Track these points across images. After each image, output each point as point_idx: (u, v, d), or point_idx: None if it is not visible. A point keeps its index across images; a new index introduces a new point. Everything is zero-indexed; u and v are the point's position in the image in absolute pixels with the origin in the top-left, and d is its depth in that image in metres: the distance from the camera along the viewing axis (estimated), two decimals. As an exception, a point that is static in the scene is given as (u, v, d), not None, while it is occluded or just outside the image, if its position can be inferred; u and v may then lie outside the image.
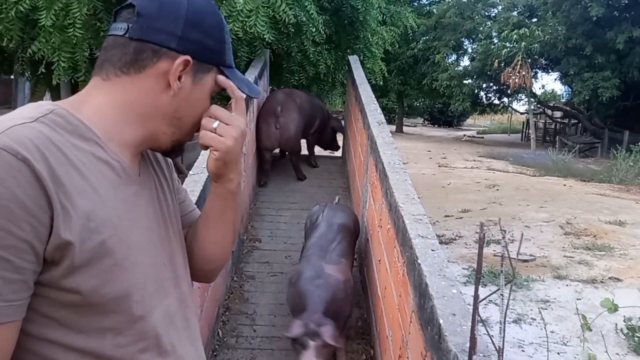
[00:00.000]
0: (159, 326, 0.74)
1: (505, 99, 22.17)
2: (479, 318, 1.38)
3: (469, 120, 35.61)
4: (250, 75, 4.59)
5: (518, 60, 16.65)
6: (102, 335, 0.67)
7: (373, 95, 4.26)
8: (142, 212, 0.76)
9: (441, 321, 1.60)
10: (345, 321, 2.75)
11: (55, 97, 7.19)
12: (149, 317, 0.72)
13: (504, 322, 1.31)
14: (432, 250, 2.00)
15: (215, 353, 2.92)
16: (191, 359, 0.81)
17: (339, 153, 6.46)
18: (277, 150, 5.91)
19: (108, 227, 0.67)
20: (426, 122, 33.56)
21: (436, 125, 32.38)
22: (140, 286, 0.71)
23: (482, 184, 10.45)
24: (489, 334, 1.39)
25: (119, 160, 0.72)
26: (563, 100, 23.97)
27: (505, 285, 1.33)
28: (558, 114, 23.34)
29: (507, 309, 1.32)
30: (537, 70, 19.98)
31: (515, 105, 23.60)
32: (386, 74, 8.81)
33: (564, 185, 10.44)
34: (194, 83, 0.76)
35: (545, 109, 22.69)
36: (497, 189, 9.83)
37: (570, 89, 19.33)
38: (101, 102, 0.73)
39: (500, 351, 1.31)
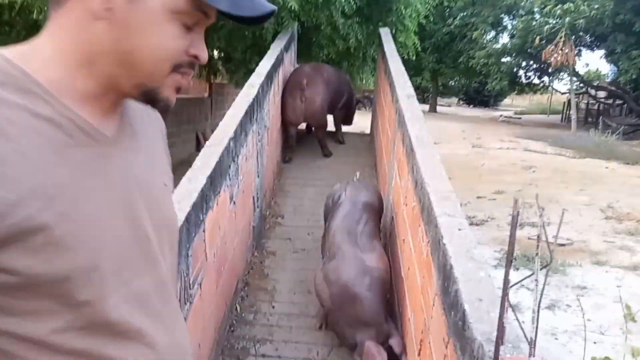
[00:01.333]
0: (115, 311, 0.62)
1: (546, 78, 21.21)
2: (509, 304, 1.24)
3: (507, 101, 34.40)
4: (276, 47, 4.45)
5: (561, 37, 15.79)
6: (36, 320, 0.57)
7: (403, 69, 4.05)
8: (110, 180, 0.63)
9: (466, 306, 1.46)
10: None
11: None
12: (99, 302, 0.61)
13: (538, 310, 1.16)
14: (459, 230, 1.84)
15: (232, 328, 2.87)
16: (165, 346, 0.69)
17: (367, 129, 6.28)
18: (303, 126, 5.79)
19: (38, 199, 0.55)
20: (461, 102, 32.59)
21: (472, 105, 31.42)
22: (90, 267, 0.60)
23: (518, 166, 10.05)
24: (519, 322, 1.25)
25: (72, 117, 0.59)
26: (608, 80, 22.74)
27: (541, 269, 1.18)
28: (602, 94, 22.17)
29: (541, 295, 1.17)
30: (581, 47, 18.97)
31: (555, 84, 22.58)
32: (420, 50, 8.48)
33: (606, 168, 9.92)
34: (130, 1, 0.58)
35: (589, 88, 21.57)
36: (534, 171, 9.43)
37: (616, 68, 18.29)
38: (45, 47, 0.60)
39: (532, 342, 1.17)
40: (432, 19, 14.61)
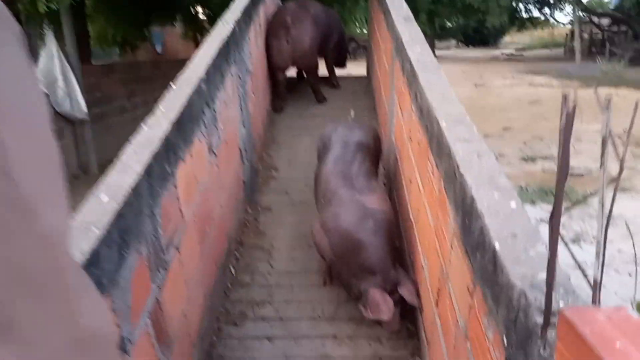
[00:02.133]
0: None
1: (547, 9, 20.25)
2: (561, 237, 0.92)
3: (507, 38, 33.20)
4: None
5: (562, -38, 14.87)
6: None
7: (397, -9, 3.60)
8: None
9: (497, 245, 1.14)
10: None
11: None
12: None
13: (604, 241, 0.84)
14: (479, 156, 1.50)
15: (227, 293, 2.61)
16: None
17: (363, 72, 5.83)
18: (294, 74, 5.36)
19: None
20: (460, 44, 31.47)
21: (471, 46, 30.34)
22: None
23: (523, 101, 9.62)
24: (575, 260, 0.93)
25: None
26: (611, 7, 21.73)
27: (608, 184, 0.86)
28: (605, 22, 21.24)
29: (608, 220, 0.86)
30: (583, -27, 17.93)
31: (557, 15, 21.62)
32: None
33: (617, 95, 9.46)
34: None
35: (592, 16, 20.65)
36: (541, 104, 9.01)
37: (620, -8, 17.36)
38: None
39: (597, 286, 0.85)
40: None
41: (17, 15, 6.94)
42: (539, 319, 0.94)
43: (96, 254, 1.24)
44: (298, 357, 2.24)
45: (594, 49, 19.89)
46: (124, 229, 1.43)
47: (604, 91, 10.13)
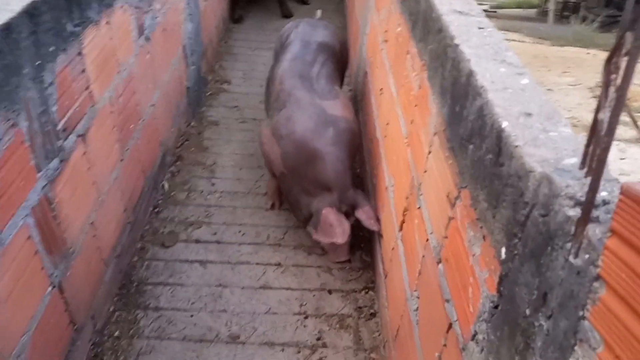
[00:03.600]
0: None
1: (525, -34, 19.87)
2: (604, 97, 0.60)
3: (481, -5, 32.72)
4: None
5: None
6: None
7: None
8: None
9: (504, 124, 0.81)
10: None
11: None
12: None
13: None
14: (480, 28, 1.15)
15: (157, 209, 2.23)
16: None
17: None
18: None
19: None
20: None
21: None
22: None
23: (495, 53, 9.36)
24: (632, 117, 0.61)
25: None
26: (588, -28, 21.59)
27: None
28: (581, -15, 21.11)
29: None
30: None
31: (535, -26, 21.28)
32: None
33: (587, 54, 9.36)
34: None
35: (568, -22, 20.47)
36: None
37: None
38: None
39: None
40: None
41: None
42: (572, 212, 0.62)
43: None
44: (233, 285, 1.93)
45: (567, 12, 19.82)
46: (-15, 83, 1.01)
47: (576, 49, 10.01)
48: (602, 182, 0.67)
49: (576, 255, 0.60)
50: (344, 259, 1.96)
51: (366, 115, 2.47)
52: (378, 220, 1.86)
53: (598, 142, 0.61)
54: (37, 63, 1.19)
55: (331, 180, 1.81)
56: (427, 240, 1.22)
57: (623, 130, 3.90)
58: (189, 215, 2.23)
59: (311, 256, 2.07)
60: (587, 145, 0.67)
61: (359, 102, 2.81)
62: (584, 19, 15.58)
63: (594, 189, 0.58)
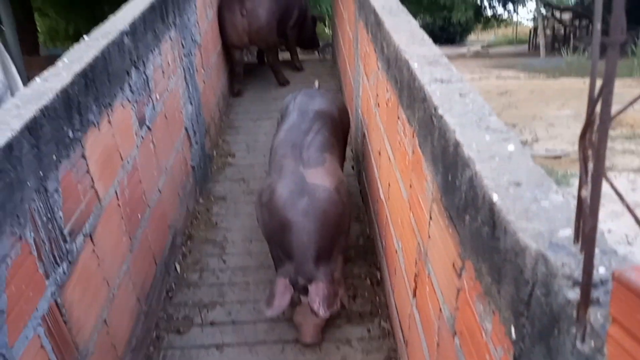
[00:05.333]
0: None
1: (511, 6, 20.55)
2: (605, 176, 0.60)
3: (472, 37, 33.64)
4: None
5: (524, -43, 15.02)
6: None
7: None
8: None
9: (494, 197, 0.81)
10: (344, 242, 2.01)
11: None
12: None
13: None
14: (461, 95, 1.18)
15: (170, 294, 2.21)
16: None
17: (328, 55, 5.51)
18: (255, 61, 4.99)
19: None
20: (426, 42, 31.62)
21: (438, 43, 30.57)
22: None
23: (493, 92, 9.49)
24: (616, 192, 0.60)
25: None
26: (572, 3, 22.21)
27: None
28: (567, 16, 21.70)
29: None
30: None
31: (521, 12, 21.99)
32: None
33: (584, 83, 9.44)
34: None
35: (554, 10, 21.06)
36: (510, 95, 8.89)
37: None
38: None
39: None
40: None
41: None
42: (572, 294, 0.61)
43: None
44: (252, 365, 1.87)
45: (557, 44, 20.24)
46: (-10, 203, 1.04)
47: (571, 80, 10.13)
48: (598, 257, 0.66)
49: (582, 340, 0.58)
50: (313, 341, 1.89)
51: (369, 176, 2.49)
52: (331, 300, 1.77)
53: (585, 221, 0.61)
54: (40, 174, 1.24)
55: (292, 251, 1.79)
56: (440, 310, 1.19)
57: (630, 160, 3.86)
58: (202, 296, 2.21)
59: (328, 329, 2.02)
60: (577, 220, 0.67)
61: (360, 162, 2.85)
62: (575, 49, 15.87)
63: (588, 271, 0.57)
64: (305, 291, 1.79)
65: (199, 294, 2.23)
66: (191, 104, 2.82)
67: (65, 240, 1.36)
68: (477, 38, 34.54)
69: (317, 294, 1.75)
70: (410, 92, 1.39)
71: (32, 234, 1.19)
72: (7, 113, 1.21)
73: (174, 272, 2.33)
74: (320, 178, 1.91)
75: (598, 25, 0.56)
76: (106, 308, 1.59)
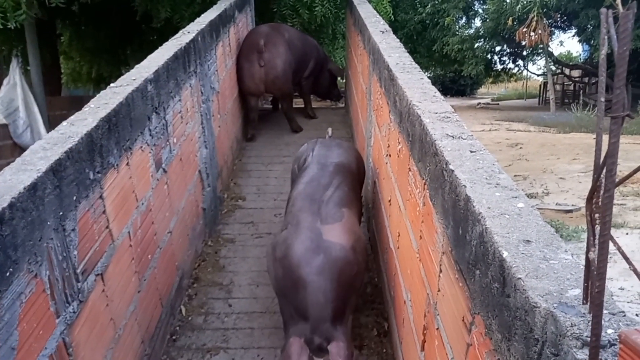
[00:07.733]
0: None
1: (520, 62, 21.03)
2: (609, 236, 0.62)
3: (482, 89, 34.29)
4: (225, 1, 3.79)
5: (533, 17, 15.53)
6: None
7: (375, 12, 3.44)
8: None
9: (504, 254, 0.83)
10: (357, 299, 1.98)
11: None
12: None
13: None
14: (472, 151, 1.21)
15: (174, 337, 2.19)
16: None
17: (341, 104, 5.65)
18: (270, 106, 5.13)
19: None
20: (437, 93, 32.23)
21: (448, 96, 31.18)
22: None
23: (503, 144, 9.58)
24: (623, 255, 0.62)
25: None
26: (581, 61, 22.70)
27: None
28: (576, 73, 22.11)
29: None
30: (553, 29, 18.77)
31: (530, 67, 22.44)
32: (392, 16, 7.92)
33: (594, 139, 9.48)
34: None
35: (564, 68, 21.50)
36: (521, 147, 8.96)
37: (588, 47, 18.13)
38: None
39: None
40: (403, 8, 14.05)
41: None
42: (581, 354, 0.61)
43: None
44: (254, 416, 1.83)
45: (567, 100, 20.54)
46: (11, 240, 1.07)
47: (581, 135, 10.20)
48: (606, 319, 0.67)
49: (593, 402, 0.58)
50: None
51: (379, 224, 2.50)
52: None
53: (593, 283, 0.62)
54: (60, 214, 1.28)
55: (308, 310, 1.74)
56: (449, 365, 1.17)
57: (638, 187, 3.83)
58: (206, 341, 2.18)
59: (333, 379, 1.98)
60: (585, 281, 0.68)
61: (370, 210, 2.86)
62: (585, 105, 16.08)
63: (596, 333, 0.58)
64: (320, 351, 1.75)
65: (202, 338, 2.20)
66: (206, 147, 2.90)
67: (77, 280, 1.37)
68: (488, 91, 35.22)
69: (338, 354, 1.71)
70: (422, 146, 1.43)
71: (47, 272, 1.22)
72: (34, 154, 1.26)
73: (179, 314, 2.32)
74: (338, 235, 1.87)
75: (602, 98, 0.59)
76: (111, 349, 1.58)
